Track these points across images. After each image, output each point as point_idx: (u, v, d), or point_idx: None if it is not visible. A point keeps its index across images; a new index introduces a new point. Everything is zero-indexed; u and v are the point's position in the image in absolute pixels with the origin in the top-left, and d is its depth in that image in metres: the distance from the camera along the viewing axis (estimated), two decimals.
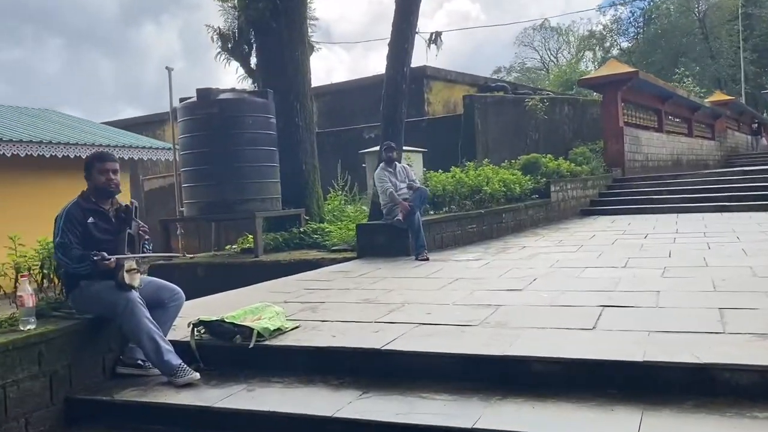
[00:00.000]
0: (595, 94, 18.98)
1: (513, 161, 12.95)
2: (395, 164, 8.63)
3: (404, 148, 11.41)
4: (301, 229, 10.76)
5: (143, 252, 4.08)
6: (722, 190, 13.23)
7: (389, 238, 8.45)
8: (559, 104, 18.09)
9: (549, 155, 13.16)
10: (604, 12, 74.70)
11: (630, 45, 73.26)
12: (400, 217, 8.11)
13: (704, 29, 63.27)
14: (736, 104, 30.95)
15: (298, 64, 11.89)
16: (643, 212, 12.71)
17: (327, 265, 8.16)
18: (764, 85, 57.41)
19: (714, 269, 5.84)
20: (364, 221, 9.83)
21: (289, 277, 7.10)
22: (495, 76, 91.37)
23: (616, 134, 16.00)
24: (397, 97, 9.58)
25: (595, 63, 78.65)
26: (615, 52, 75.10)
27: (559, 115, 17.97)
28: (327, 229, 10.58)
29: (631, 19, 72.73)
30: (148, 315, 3.78)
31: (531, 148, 15.87)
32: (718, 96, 30.27)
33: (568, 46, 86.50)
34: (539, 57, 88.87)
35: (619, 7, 72.51)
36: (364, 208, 11.51)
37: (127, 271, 3.78)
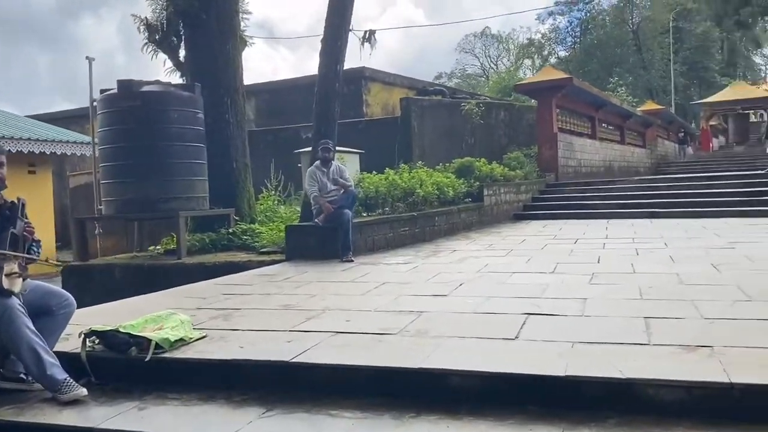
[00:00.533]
0: (532, 100, 19.18)
1: (448, 164, 12.86)
2: (331, 164, 8.36)
3: (339, 148, 11.18)
4: (230, 230, 10.36)
5: (29, 254, 3.67)
6: (652, 196, 13.48)
7: (319, 240, 8.18)
8: (495, 109, 18.17)
9: (483, 159, 13.12)
10: (542, 21, 76.19)
11: (567, 54, 75.15)
12: (320, 219, 7.92)
13: (637, 41, 65.42)
14: (666, 114, 31.98)
15: (229, 58, 11.48)
16: (574, 217, 12.81)
17: (254, 268, 7.82)
18: (692, 97, 59.72)
19: (641, 276, 5.79)
20: (296, 222, 9.53)
21: (210, 280, 6.73)
22: (436, 82, 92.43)
23: (550, 140, 16.14)
24: (329, 95, 9.31)
25: (534, 70, 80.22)
26: (553, 60, 76.89)
27: (495, 120, 18.03)
28: (257, 230, 10.21)
29: (569, 28, 74.64)
30: (30, 324, 3.38)
31: (467, 152, 15.84)
32: (650, 105, 31.19)
33: (508, 54, 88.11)
34: (479, 64, 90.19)
35: (557, 16, 74.42)
36: (297, 209, 11.17)
37: (7, 275, 3.37)
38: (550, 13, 75.65)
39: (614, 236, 9.57)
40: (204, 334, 4.07)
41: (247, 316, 4.71)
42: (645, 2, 68.89)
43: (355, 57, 11.03)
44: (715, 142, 51.13)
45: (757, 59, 72.91)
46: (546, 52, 77.22)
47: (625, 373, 2.92)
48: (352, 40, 10.13)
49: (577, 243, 8.86)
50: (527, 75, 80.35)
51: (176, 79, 12.39)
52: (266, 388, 3.35)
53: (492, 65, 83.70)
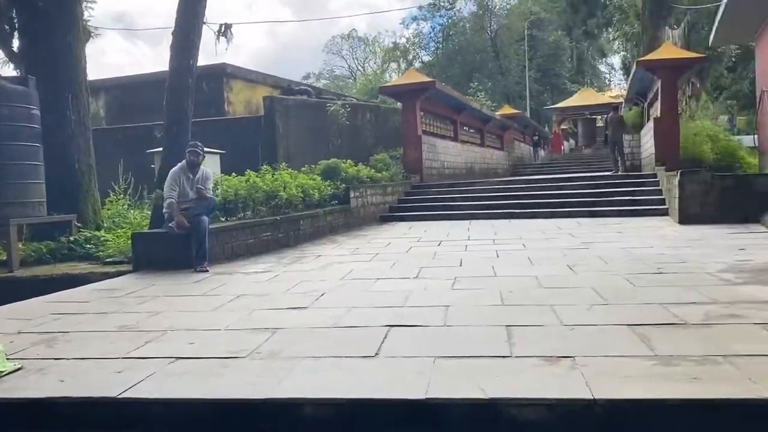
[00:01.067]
0: (397, 103, 19.28)
1: (314, 166, 12.55)
2: (198, 169, 7.74)
3: (209, 149, 10.56)
4: (71, 238, 9.43)
5: None
6: (510, 197, 13.90)
7: (171, 249, 7.56)
8: (362, 111, 18.08)
9: (350, 161, 12.93)
10: (407, 26, 77.95)
11: (431, 59, 77.34)
12: (173, 224, 7.34)
13: (495, 48, 68.49)
14: (521, 118, 33.55)
15: (71, 49, 10.47)
16: (439, 218, 12.93)
17: (97, 281, 7.08)
18: (546, 102, 63.34)
19: (502, 279, 5.77)
20: (146, 229, 8.81)
21: (40, 297, 5.96)
22: (304, 82, 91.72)
23: (414, 142, 16.26)
24: (182, 91, 8.68)
25: (399, 74, 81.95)
26: (417, 64, 78.83)
27: (361, 122, 17.94)
28: (103, 238, 9.36)
29: (432, 34, 76.86)
30: None
31: (333, 154, 15.60)
32: (507, 110, 32.58)
33: (375, 57, 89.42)
34: (347, 65, 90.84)
35: (421, 21, 76.36)
36: (150, 213, 10.39)
37: None
38: (414, 18, 77.79)
39: (476, 237, 9.68)
40: (20, 366, 3.49)
41: (75, 340, 4.12)
42: (502, 11, 72.42)
43: (218, 54, 10.40)
44: (566, 145, 54.58)
45: (603, 68, 78.84)
46: (411, 57, 79.06)
47: (488, 392, 2.74)
48: (209, 36, 9.56)
49: (441, 245, 8.85)
50: (393, 78, 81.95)
51: (9, 71, 11.18)
52: (86, 431, 2.86)
53: (359, 67, 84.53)
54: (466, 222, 12.24)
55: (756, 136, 15.68)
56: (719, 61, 29.56)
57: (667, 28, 24.10)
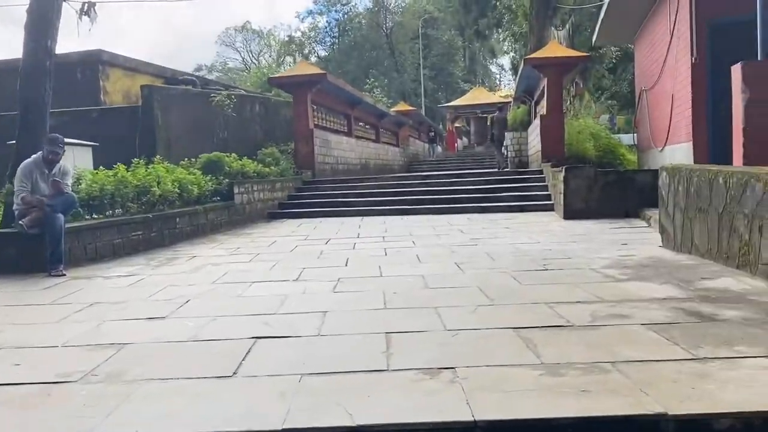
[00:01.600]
0: (290, 95, 18.66)
1: (194, 160, 11.82)
2: (58, 165, 6.90)
3: (70, 141, 9.61)
4: None
5: None
6: (404, 194, 13.71)
7: (22, 250, 6.74)
8: (251, 103, 17.36)
9: (234, 154, 12.27)
10: (302, 19, 77.04)
11: (327, 53, 76.83)
12: (24, 222, 6.52)
13: (391, 45, 68.94)
14: (416, 115, 33.75)
15: None
16: (331, 215, 12.54)
17: None
18: (440, 100, 64.41)
19: (387, 280, 5.44)
20: None
21: None
22: (196, 74, 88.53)
23: (306, 136, 15.77)
24: (38, 75, 7.77)
25: None
26: (313, 59, 78.15)
27: (250, 114, 17.23)
28: None
29: (327, 29, 76.39)
30: None
31: (219, 147, 14.83)
32: (402, 106, 32.64)
33: (270, 50, 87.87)
34: (241, 58, 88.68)
35: (316, 15, 75.62)
36: None
37: None
38: (310, 12, 76.94)
39: (366, 235, 9.36)
40: None
41: None
42: (397, 8, 72.98)
43: (96, 41, 9.46)
44: (460, 143, 55.76)
45: (494, 68, 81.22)
46: (307, 51, 78.24)
47: (356, 418, 2.36)
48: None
49: (328, 243, 8.46)
50: None
51: None
52: None
53: (254, 60, 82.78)
54: (358, 219, 11.92)
55: (635, 134, 16.35)
56: (601, 62, 30.92)
57: (552, 28, 24.84)
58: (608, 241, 7.52)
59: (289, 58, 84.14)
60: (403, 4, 73.68)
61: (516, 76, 21.25)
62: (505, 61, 70.73)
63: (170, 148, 13.65)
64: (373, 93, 46.89)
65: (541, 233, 8.65)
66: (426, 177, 15.00)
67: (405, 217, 11.87)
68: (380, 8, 70.47)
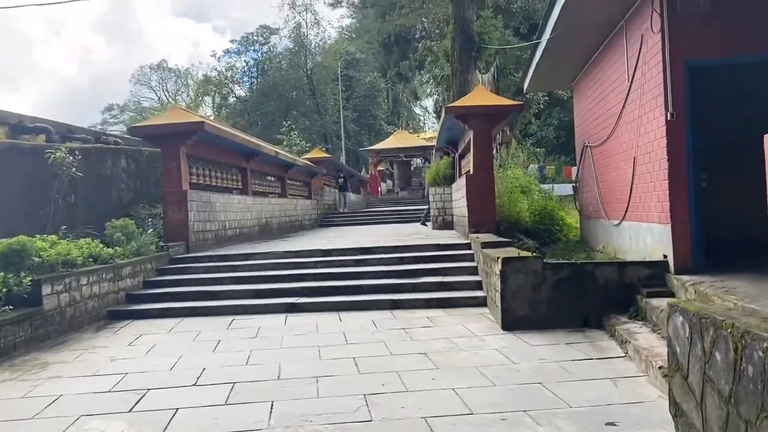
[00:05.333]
0: None
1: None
2: None
3: None
4: None
5: None
6: (296, 277, 10.59)
7: None
8: (114, 157, 14.02)
9: (53, 237, 8.95)
10: (218, 58, 73.96)
11: (246, 94, 73.80)
12: None
13: (312, 86, 66.57)
14: (331, 162, 30.91)
15: None
16: (194, 314, 9.34)
17: None
18: (363, 143, 62.08)
19: None
20: None
21: None
22: (107, 115, 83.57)
23: (178, 200, 12.56)
24: None
25: (214, 108, 77.52)
26: (232, 99, 74.95)
27: (112, 171, 13.89)
28: None
29: (246, 68, 73.47)
30: None
31: (62, 219, 11.45)
32: (316, 153, 29.79)
33: (187, 89, 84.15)
34: (157, 98, 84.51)
35: (233, 55, 72.63)
36: None
37: None
38: (227, 51, 73.76)
39: (214, 368, 6.26)
40: None
41: None
42: (318, 49, 70.89)
43: None
44: (384, 186, 53.42)
45: (417, 110, 79.99)
46: (225, 91, 75.07)
47: None
48: None
49: (145, 398, 5.32)
50: (208, 113, 77.20)
51: None
52: None
53: (171, 100, 78.84)
54: (227, 321, 8.78)
55: (575, 197, 13.95)
56: (528, 108, 29.10)
57: (476, 71, 22.69)
58: (580, 408, 4.71)
59: (207, 98, 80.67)
60: (324, 45, 71.66)
61: (439, 122, 18.81)
62: (429, 103, 69.57)
63: None
64: (290, 136, 43.99)
65: (474, 375, 5.75)
66: (328, 251, 11.96)
67: (290, 320, 8.79)
68: (301, 48, 68.14)
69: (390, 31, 46.06)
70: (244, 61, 73.61)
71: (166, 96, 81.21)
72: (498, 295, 7.75)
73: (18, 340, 7.40)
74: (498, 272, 7.69)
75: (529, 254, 7.99)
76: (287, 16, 67.98)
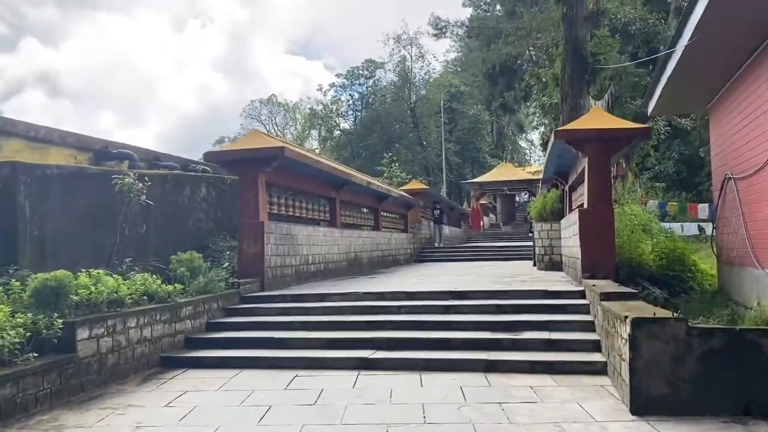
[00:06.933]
0: None
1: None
2: None
3: None
4: None
5: None
6: (375, 325, 9.09)
7: None
8: (192, 184, 13.21)
9: (99, 271, 7.94)
10: (324, 93, 74.93)
11: (350, 127, 74.32)
12: None
13: (415, 119, 65.89)
14: (430, 194, 29.45)
15: None
16: (254, 365, 8.06)
17: None
18: (466, 175, 60.38)
19: None
20: None
21: None
22: (218, 147, 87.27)
23: (254, 231, 11.49)
24: None
25: (320, 141, 78.61)
26: (337, 132, 75.67)
27: (190, 200, 13.06)
28: None
29: (351, 102, 74.06)
30: None
31: (130, 250, 10.61)
32: (414, 185, 28.46)
33: (295, 123, 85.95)
34: (266, 131, 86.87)
35: (338, 89, 73.42)
36: None
37: None
38: (332, 85, 74.65)
39: None
40: None
41: None
42: (422, 82, 70.37)
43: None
44: (486, 221, 51.31)
45: (523, 143, 77.50)
46: (330, 124, 76.03)
47: None
48: None
49: None
50: (314, 145, 78.31)
51: None
52: None
53: (279, 133, 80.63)
54: (288, 377, 7.41)
55: (713, 238, 11.69)
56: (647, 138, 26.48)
57: (589, 97, 20.65)
58: None
59: (314, 131, 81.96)
60: (428, 78, 71.05)
61: (546, 152, 16.98)
62: (535, 136, 67.12)
63: (45, 253, 9.44)
64: (391, 168, 43.04)
65: None
66: (410, 296, 10.38)
67: (360, 379, 7.30)
68: (405, 82, 67.81)
69: (495, 61, 44.35)
70: (349, 94, 74.31)
71: (274, 129, 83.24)
72: (625, 366, 5.90)
73: (41, 394, 6.32)
74: (626, 336, 5.86)
75: (668, 314, 6.10)
76: (392, 50, 67.89)
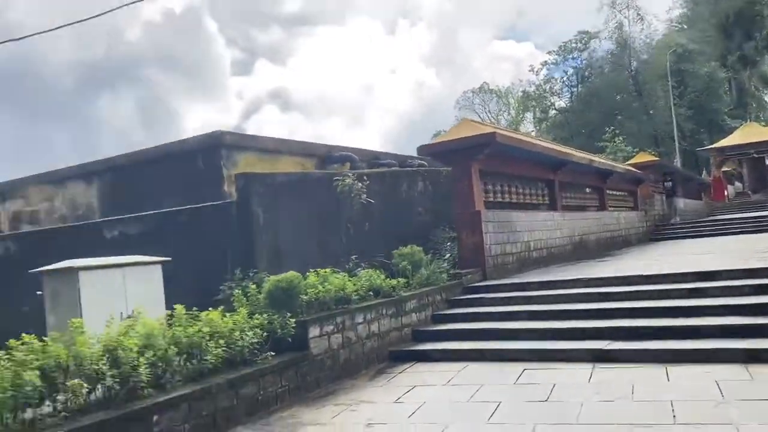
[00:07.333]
0: None
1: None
2: None
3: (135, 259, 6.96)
4: None
5: None
6: (607, 313, 8.38)
7: None
8: (408, 180, 13.38)
9: (326, 270, 8.24)
10: (536, 72, 72.50)
11: (566, 104, 71.36)
12: None
13: (638, 86, 61.29)
14: (662, 165, 27.01)
15: None
16: (481, 358, 7.83)
17: None
18: (702, 142, 54.64)
19: None
20: None
21: None
22: (431, 140, 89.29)
23: (471, 221, 11.28)
24: None
25: (535, 123, 76.56)
26: (552, 112, 73.11)
27: (407, 195, 13.24)
28: None
29: (565, 78, 71.04)
30: None
31: (355, 248, 11.01)
32: (641, 157, 26.34)
33: (508, 108, 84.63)
34: (480, 120, 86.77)
35: (551, 66, 70.75)
36: None
37: None
38: (544, 64, 72.06)
39: None
40: None
41: None
42: (643, 46, 64.96)
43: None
44: (731, 190, 45.98)
45: None
46: (545, 104, 73.70)
47: None
48: None
49: None
50: (529, 129, 76.55)
51: None
52: None
53: (493, 120, 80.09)
54: (515, 373, 7.06)
55: None
56: None
57: None
58: None
59: (528, 114, 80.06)
60: (649, 42, 65.29)
61: None
62: None
63: (278, 256, 10.13)
64: (614, 142, 40.35)
65: None
66: (647, 280, 9.35)
67: (596, 373, 6.71)
68: (624, 49, 63.18)
69: (728, 10, 39.49)
70: (563, 71, 71.24)
71: (488, 117, 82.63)
72: None
73: (280, 391, 6.68)
74: None
75: None
76: (607, 17, 63.56)
